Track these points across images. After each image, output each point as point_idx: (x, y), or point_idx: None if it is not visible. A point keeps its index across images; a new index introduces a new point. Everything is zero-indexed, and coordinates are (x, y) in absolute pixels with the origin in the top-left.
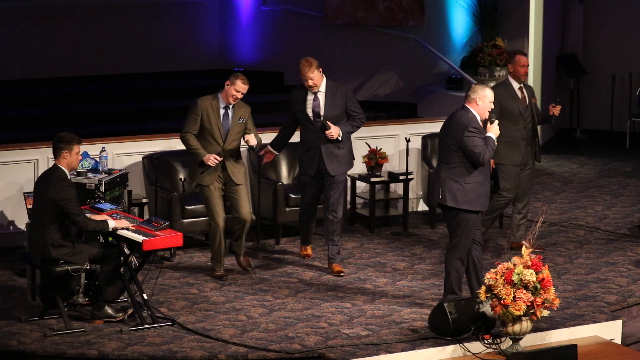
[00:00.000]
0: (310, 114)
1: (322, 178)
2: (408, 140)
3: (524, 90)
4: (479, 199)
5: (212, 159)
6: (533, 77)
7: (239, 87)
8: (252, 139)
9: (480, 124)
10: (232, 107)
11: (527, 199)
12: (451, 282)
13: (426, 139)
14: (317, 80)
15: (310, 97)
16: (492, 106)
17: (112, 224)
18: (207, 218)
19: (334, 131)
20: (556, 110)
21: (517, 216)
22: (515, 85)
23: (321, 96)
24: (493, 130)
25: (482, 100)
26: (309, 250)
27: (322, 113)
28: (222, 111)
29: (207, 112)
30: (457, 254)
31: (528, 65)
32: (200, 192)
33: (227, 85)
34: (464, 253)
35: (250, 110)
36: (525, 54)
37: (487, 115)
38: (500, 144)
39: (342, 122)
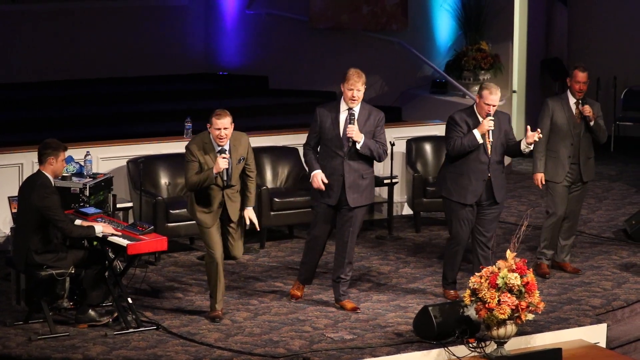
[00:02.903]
0: (338, 135)
1: (339, 210)
2: (392, 144)
3: (579, 106)
4: (459, 191)
5: (221, 159)
6: (517, 80)
7: (218, 125)
8: (252, 215)
9: (479, 118)
10: (229, 145)
11: (574, 221)
12: (445, 272)
13: (411, 142)
14: (361, 95)
15: (343, 117)
16: (489, 107)
17: (99, 229)
18: (193, 222)
19: (355, 130)
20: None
21: (562, 236)
22: (572, 100)
23: (355, 116)
24: (479, 127)
25: (478, 98)
26: (301, 292)
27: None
28: (218, 155)
29: (205, 158)
30: (450, 244)
31: (585, 82)
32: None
33: (209, 126)
34: (456, 245)
35: (248, 139)
36: (584, 69)
37: (483, 114)
38: (548, 160)
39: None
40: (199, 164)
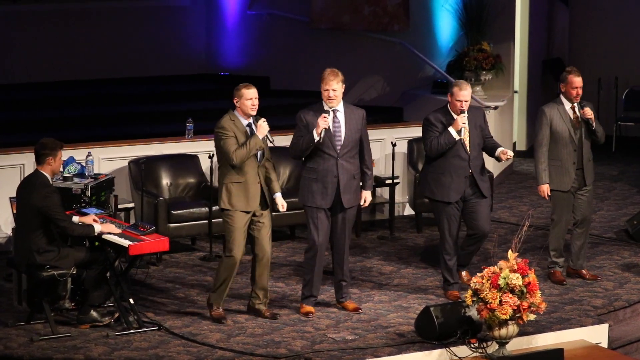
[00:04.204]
0: (330, 135)
1: (332, 212)
2: (394, 145)
3: (577, 110)
4: (441, 190)
5: (262, 123)
6: (519, 81)
7: (249, 95)
8: (282, 200)
9: (454, 116)
10: (253, 120)
11: (587, 226)
12: (443, 275)
13: (412, 143)
14: (339, 94)
15: (329, 117)
16: (461, 103)
17: (97, 228)
18: (195, 223)
19: (365, 200)
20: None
21: (577, 243)
22: (567, 105)
23: (341, 117)
24: (453, 124)
25: (450, 96)
26: (312, 307)
27: (342, 136)
28: (247, 129)
29: (235, 133)
30: (440, 246)
31: (582, 87)
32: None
33: (236, 101)
34: (444, 246)
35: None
36: (579, 74)
37: (457, 111)
38: (551, 168)
39: (363, 185)
40: (236, 139)
